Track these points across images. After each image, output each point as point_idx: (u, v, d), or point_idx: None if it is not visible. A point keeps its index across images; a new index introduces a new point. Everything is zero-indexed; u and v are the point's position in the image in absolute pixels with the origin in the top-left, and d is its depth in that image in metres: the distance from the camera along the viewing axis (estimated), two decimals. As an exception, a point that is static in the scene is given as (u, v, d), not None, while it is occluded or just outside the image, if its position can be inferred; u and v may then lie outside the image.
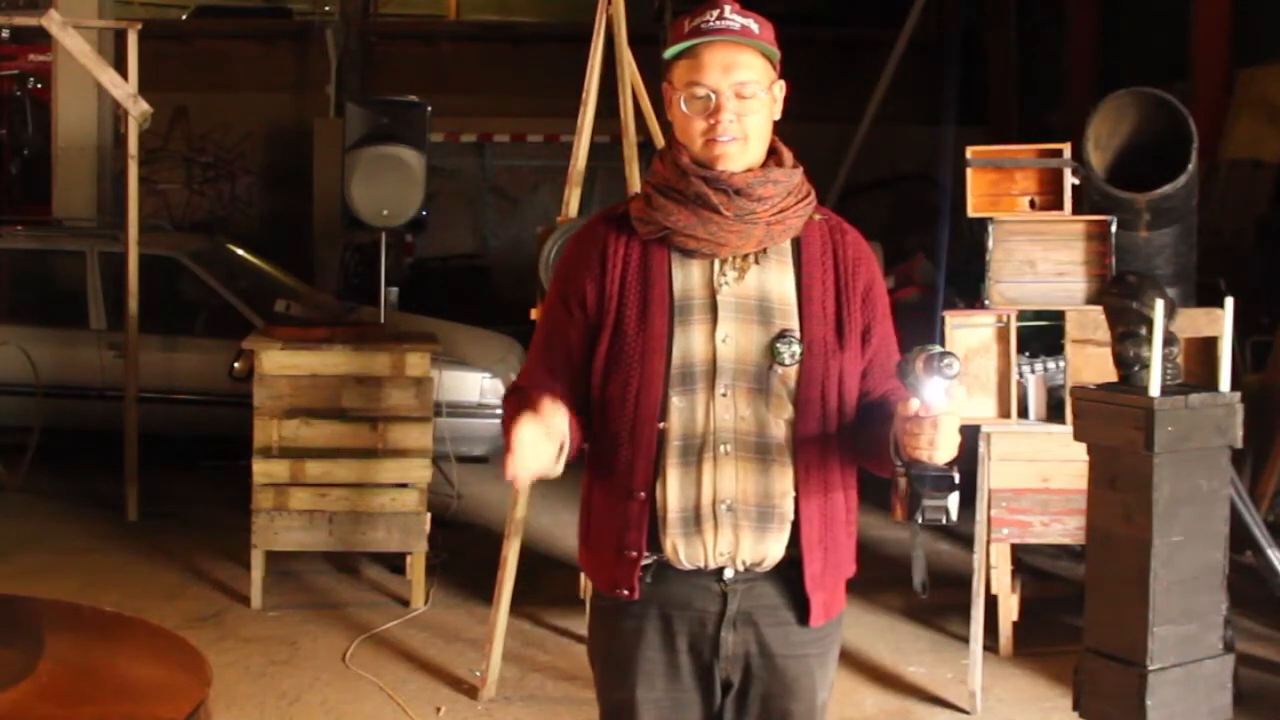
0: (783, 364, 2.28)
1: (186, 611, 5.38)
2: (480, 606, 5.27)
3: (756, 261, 2.32)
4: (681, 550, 2.29)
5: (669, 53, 2.32)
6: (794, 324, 2.30)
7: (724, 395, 2.28)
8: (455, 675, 4.78)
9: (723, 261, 2.31)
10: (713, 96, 2.27)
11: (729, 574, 2.31)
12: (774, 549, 2.31)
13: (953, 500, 2.10)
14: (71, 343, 7.87)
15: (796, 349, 2.29)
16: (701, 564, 2.30)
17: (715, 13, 2.28)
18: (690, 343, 2.28)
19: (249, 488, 5.46)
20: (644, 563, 2.32)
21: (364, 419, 5.48)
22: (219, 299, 8.00)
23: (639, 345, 2.28)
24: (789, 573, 2.33)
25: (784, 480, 2.30)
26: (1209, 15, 10.65)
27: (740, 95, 2.27)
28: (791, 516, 2.30)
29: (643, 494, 2.29)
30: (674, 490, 2.29)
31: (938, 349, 2.08)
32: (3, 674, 2.17)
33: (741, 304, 2.30)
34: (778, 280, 2.32)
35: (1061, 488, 4.75)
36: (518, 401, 2.24)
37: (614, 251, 2.32)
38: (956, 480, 2.11)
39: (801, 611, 2.34)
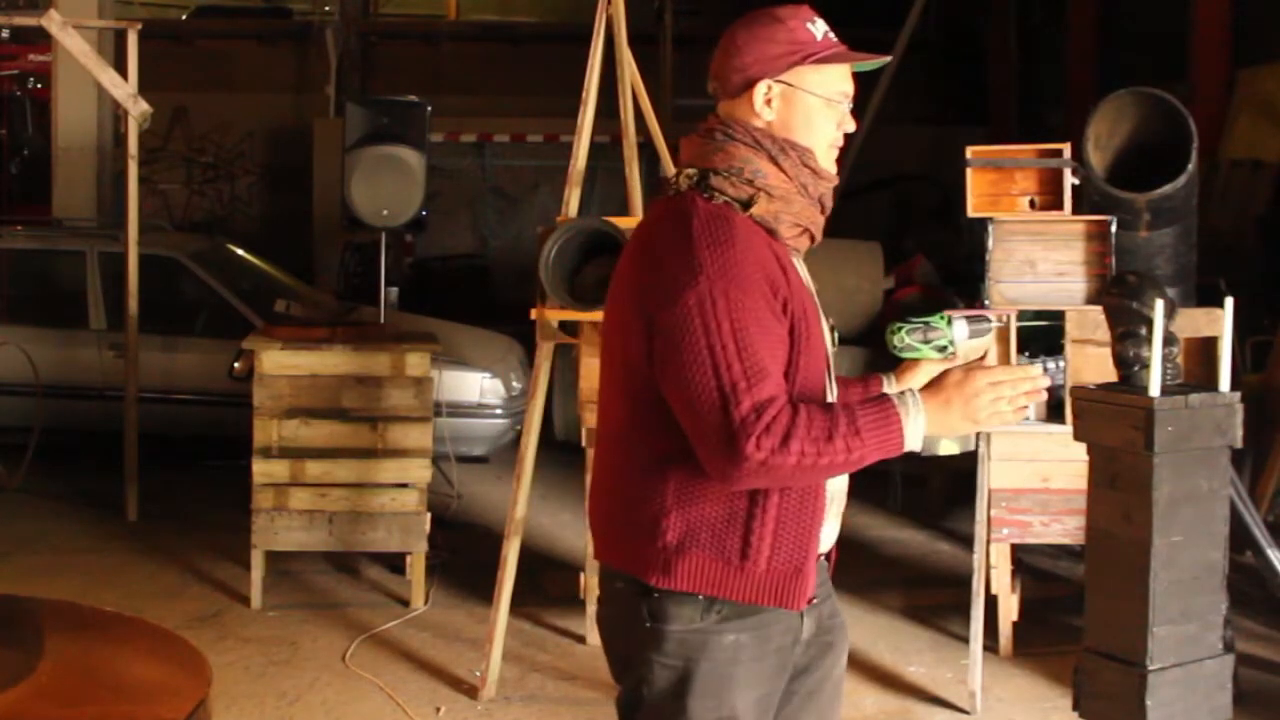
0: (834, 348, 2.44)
1: (186, 611, 5.38)
2: (480, 606, 5.27)
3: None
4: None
5: (821, 55, 2.31)
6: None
7: (830, 387, 2.38)
8: (455, 675, 4.78)
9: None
10: (848, 108, 2.37)
11: None
12: (835, 531, 2.42)
13: None
14: (71, 343, 7.87)
15: (836, 337, 2.46)
16: None
17: (825, 24, 2.36)
18: (824, 338, 2.35)
19: (249, 488, 5.46)
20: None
21: (364, 419, 5.48)
22: (219, 299, 8.00)
23: (818, 348, 2.30)
24: None
25: None
26: (1209, 15, 10.65)
27: (851, 111, 2.39)
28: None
29: (826, 494, 2.31)
30: (831, 486, 2.33)
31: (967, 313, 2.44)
32: (3, 674, 2.17)
33: (817, 301, 2.40)
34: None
35: (1061, 488, 4.75)
36: (850, 413, 2.16)
37: (778, 254, 2.28)
38: None
39: (832, 577, 2.48)
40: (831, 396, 2.37)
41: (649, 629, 2.29)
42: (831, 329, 2.43)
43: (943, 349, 2.39)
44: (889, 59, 2.43)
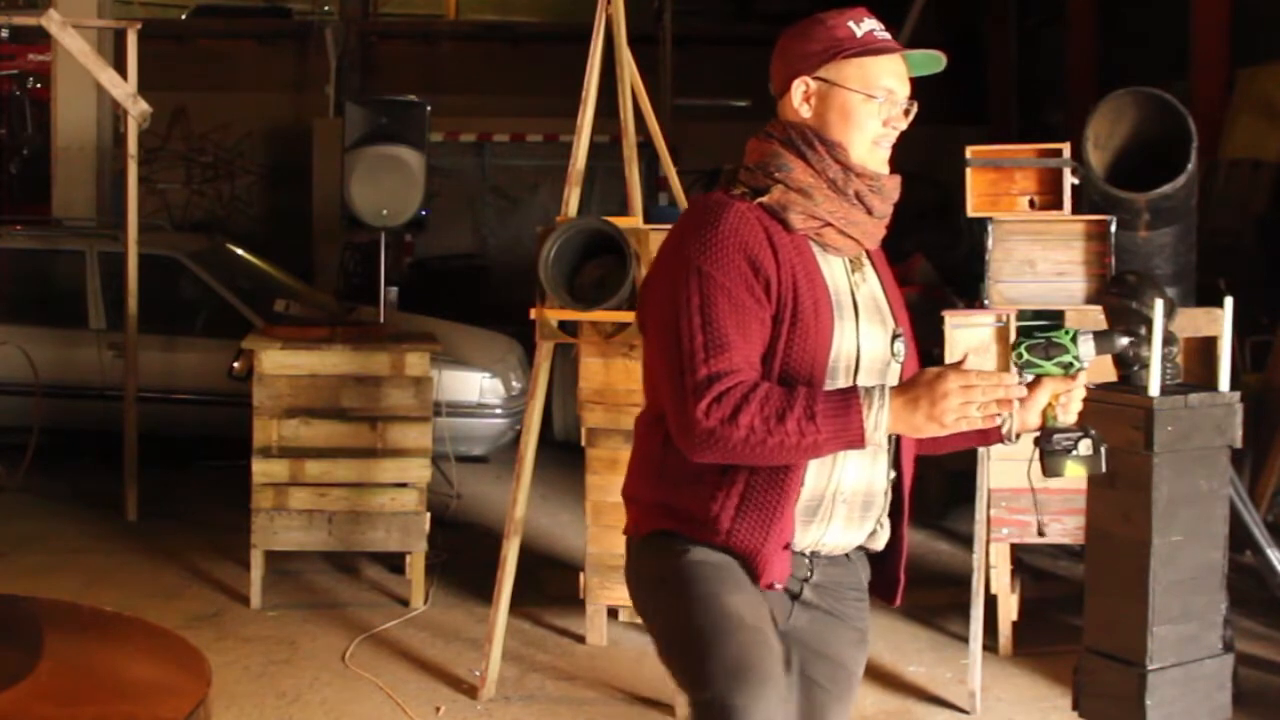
0: (899, 361, 2.42)
1: (186, 611, 5.37)
2: (480, 606, 5.27)
3: (863, 263, 2.44)
4: (795, 538, 2.36)
5: (854, 50, 2.34)
6: (895, 323, 2.44)
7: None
8: (455, 675, 4.78)
9: (850, 261, 2.40)
10: (895, 103, 2.37)
11: (806, 562, 2.40)
12: (858, 538, 2.42)
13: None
14: (71, 343, 7.87)
15: (902, 347, 2.43)
16: (802, 549, 2.39)
17: (877, 24, 2.37)
18: (843, 338, 2.34)
19: (248, 487, 5.45)
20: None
21: (363, 419, 5.48)
22: (219, 299, 8.00)
23: (814, 338, 2.30)
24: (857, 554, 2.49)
25: (884, 471, 2.42)
26: (1209, 15, 10.65)
27: (905, 109, 2.40)
28: (885, 505, 2.43)
29: (801, 485, 2.33)
30: (809, 479, 2.34)
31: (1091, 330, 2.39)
32: (2, 674, 2.16)
33: (869, 303, 2.40)
34: (876, 281, 2.45)
35: (1061, 487, 4.75)
36: (810, 398, 2.17)
37: (777, 241, 2.31)
38: None
39: (891, 593, 2.52)
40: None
41: (635, 571, 2.45)
42: (894, 337, 2.42)
43: (1067, 366, 2.33)
44: (942, 57, 2.41)
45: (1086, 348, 2.34)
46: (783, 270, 2.27)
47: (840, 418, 2.15)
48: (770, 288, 2.27)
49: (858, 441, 2.17)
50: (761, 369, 2.26)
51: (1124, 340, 2.34)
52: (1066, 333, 2.35)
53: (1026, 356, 2.35)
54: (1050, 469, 2.35)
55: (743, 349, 2.23)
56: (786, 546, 2.32)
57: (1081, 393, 2.33)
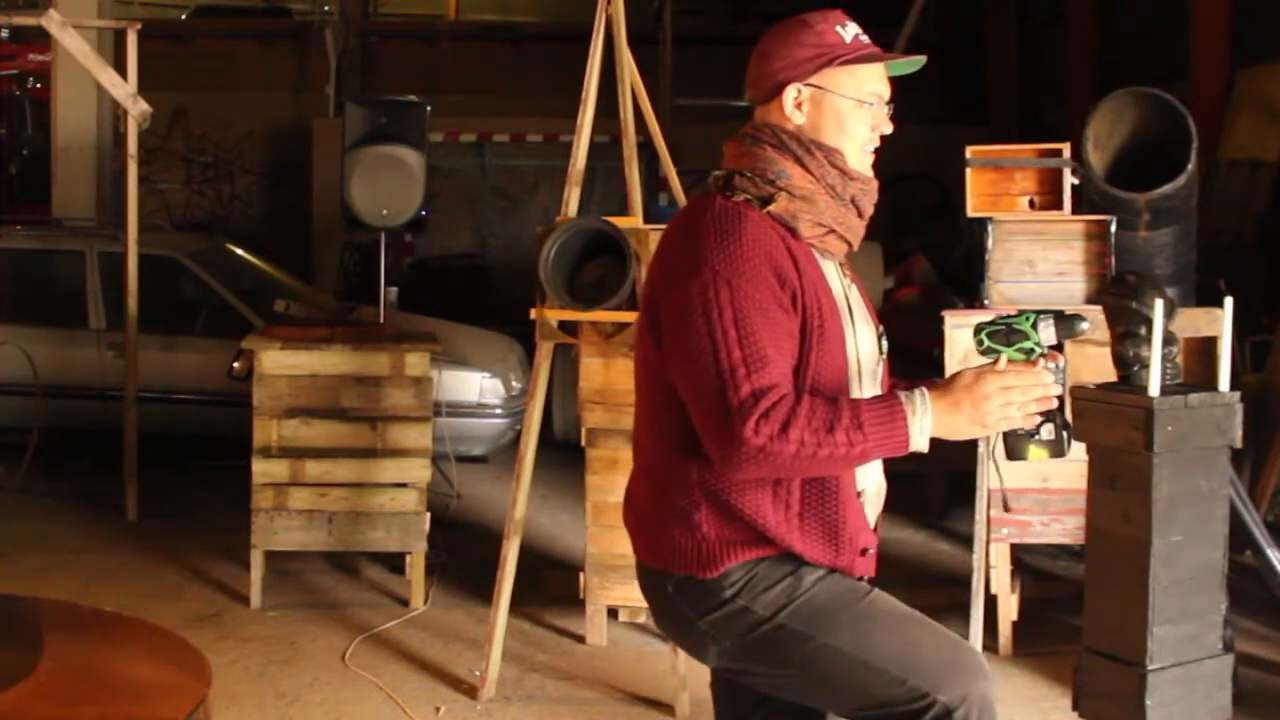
0: (883, 360, 2.46)
1: (186, 611, 5.37)
2: (480, 606, 5.27)
3: (845, 267, 2.46)
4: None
5: (849, 56, 2.35)
6: (876, 322, 2.48)
7: (865, 391, 2.39)
8: (455, 675, 4.78)
9: (840, 265, 2.42)
10: (884, 109, 2.39)
11: None
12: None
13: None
14: (71, 343, 7.86)
15: (886, 345, 2.47)
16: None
17: (858, 27, 2.39)
18: (848, 342, 2.36)
19: (248, 487, 5.45)
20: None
21: (363, 419, 5.48)
22: (219, 299, 8.00)
23: (837, 345, 2.31)
24: None
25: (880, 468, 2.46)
26: (1209, 15, 10.65)
27: (889, 114, 2.42)
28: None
29: (856, 487, 2.36)
30: (867, 485, 2.39)
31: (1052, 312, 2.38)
32: (2, 674, 2.16)
33: (859, 305, 2.43)
34: (855, 284, 2.48)
35: (1061, 487, 4.76)
36: (855, 407, 2.18)
37: (795, 251, 2.31)
38: None
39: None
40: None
41: (728, 614, 2.31)
42: (880, 336, 2.45)
43: (1028, 352, 2.33)
44: (921, 59, 2.43)
45: (1046, 333, 2.35)
46: (804, 280, 2.28)
47: (886, 425, 2.17)
48: (796, 299, 2.26)
49: (902, 447, 2.19)
50: (794, 381, 2.24)
51: (1084, 325, 2.35)
52: (1026, 318, 2.36)
53: (988, 343, 2.36)
54: (1012, 453, 2.37)
55: (779, 362, 2.21)
56: (865, 551, 2.35)
57: (1045, 377, 2.34)
